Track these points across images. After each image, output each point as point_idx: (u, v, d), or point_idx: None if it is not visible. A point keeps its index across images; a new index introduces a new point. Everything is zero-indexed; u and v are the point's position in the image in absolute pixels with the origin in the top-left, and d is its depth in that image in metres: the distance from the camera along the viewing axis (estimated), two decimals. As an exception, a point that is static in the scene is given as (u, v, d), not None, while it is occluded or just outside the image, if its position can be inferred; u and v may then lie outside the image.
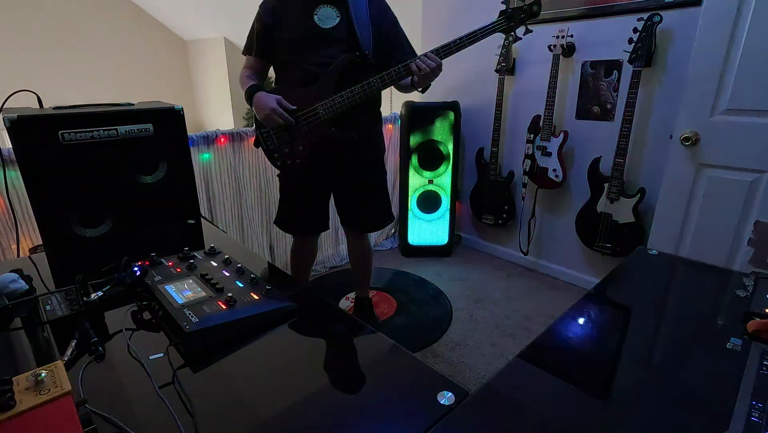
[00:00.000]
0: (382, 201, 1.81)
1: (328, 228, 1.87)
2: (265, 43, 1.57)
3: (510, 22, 1.42)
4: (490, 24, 1.41)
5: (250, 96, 1.52)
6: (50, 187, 1.12)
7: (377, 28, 1.53)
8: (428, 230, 2.97)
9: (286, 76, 1.58)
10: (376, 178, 1.76)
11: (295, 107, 1.48)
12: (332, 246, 2.87)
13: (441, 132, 2.76)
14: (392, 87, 1.54)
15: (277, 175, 1.74)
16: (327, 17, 1.48)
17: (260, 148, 1.62)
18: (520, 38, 1.48)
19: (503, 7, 1.43)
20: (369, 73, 1.46)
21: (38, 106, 1.24)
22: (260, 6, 1.55)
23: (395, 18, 1.61)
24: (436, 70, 1.41)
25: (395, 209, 3.15)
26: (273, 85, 1.63)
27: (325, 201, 1.78)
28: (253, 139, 1.66)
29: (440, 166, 2.82)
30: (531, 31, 1.47)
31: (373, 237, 3.10)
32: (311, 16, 1.48)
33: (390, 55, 1.56)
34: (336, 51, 1.48)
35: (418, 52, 1.47)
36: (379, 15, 1.55)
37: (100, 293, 0.83)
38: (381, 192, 1.80)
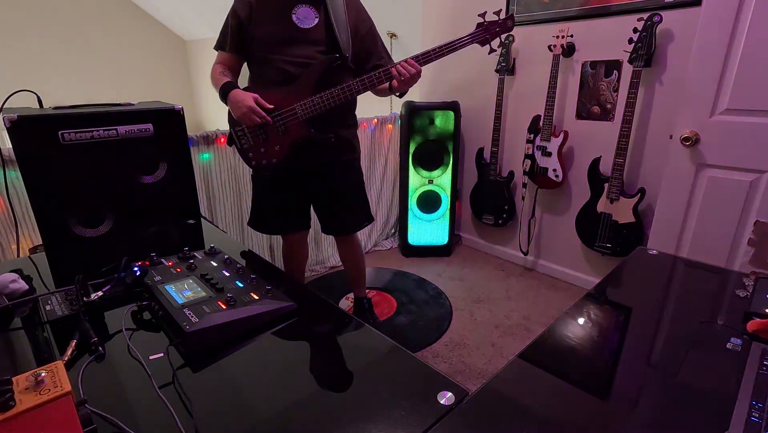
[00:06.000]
0: (360, 203, 1.81)
1: (309, 227, 1.87)
2: (240, 39, 1.54)
3: (486, 34, 1.46)
4: (468, 35, 1.46)
5: (225, 93, 1.49)
6: (50, 187, 1.12)
7: (355, 31, 1.54)
8: (428, 230, 2.97)
9: (261, 75, 1.56)
10: (353, 180, 1.76)
11: (272, 106, 1.47)
12: (332, 246, 2.86)
13: (441, 132, 2.76)
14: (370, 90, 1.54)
15: (251, 175, 1.72)
16: (305, 17, 1.48)
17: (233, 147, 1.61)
18: (495, 50, 1.54)
19: (492, 17, 1.47)
20: (347, 75, 1.47)
21: (38, 106, 1.24)
22: (235, 0, 1.53)
23: (371, 21, 1.61)
24: (416, 76, 1.43)
25: (395, 209, 3.16)
26: (247, 82, 1.61)
27: (301, 200, 1.76)
28: (226, 138, 1.66)
29: (440, 166, 2.82)
30: (505, 44, 1.50)
31: (373, 237, 3.10)
32: (289, 15, 1.47)
33: (366, 57, 1.57)
34: (314, 52, 1.48)
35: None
36: (357, 17, 1.56)
37: (100, 293, 0.83)
38: (358, 194, 1.80)
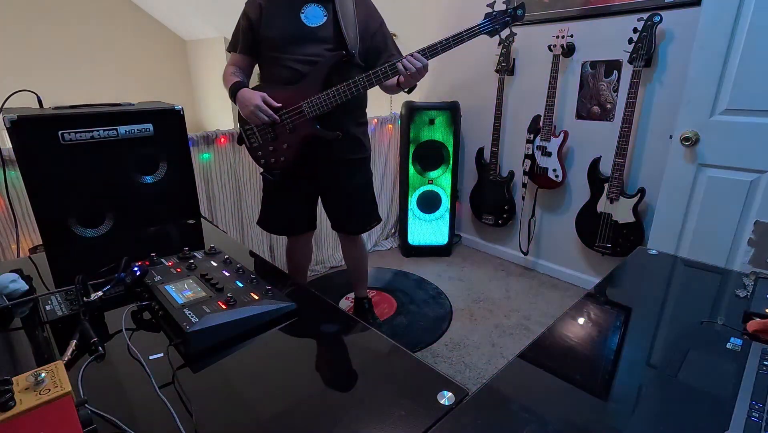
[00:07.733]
0: (370, 202, 1.80)
1: (315, 228, 1.86)
2: (251, 40, 1.56)
3: (495, 24, 1.43)
4: (476, 26, 1.42)
5: (234, 93, 1.51)
6: (50, 187, 1.12)
7: (364, 28, 1.54)
8: (428, 230, 2.97)
9: (272, 74, 1.57)
10: (362, 180, 1.75)
11: (280, 105, 1.47)
12: (332, 246, 2.87)
13: (441, 132, 2.76)
14: (379, 88, 1.53)
15: (260, 174, 1.73)
16: (314, 16, 1.49)
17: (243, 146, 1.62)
18: (504, 41, 1.50)
19: (502, 7, 1.43)
20: (355, 72, 1.47)
21: (38, 106, 1.24)
22: (246, 3, 1.55)
23: (382, 19, 1.61)
24: (423, 71, 1.41)
25: (395, 209, 3.16)
26: (258, 82, 1.62)
27: (311, 201, 1.76)
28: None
29: (440, 166, 2.82)
30: (515, 33, 1.46)
31: (373, 237, 3.10)
32: (298, 14, 1.48)
33: (376, 55, 1.57)
34: (322, 50, 1.48)
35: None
36: (366, 15, 1.56)
37: (100, 293, 0.83)
38: (368, 193, 1.79)
